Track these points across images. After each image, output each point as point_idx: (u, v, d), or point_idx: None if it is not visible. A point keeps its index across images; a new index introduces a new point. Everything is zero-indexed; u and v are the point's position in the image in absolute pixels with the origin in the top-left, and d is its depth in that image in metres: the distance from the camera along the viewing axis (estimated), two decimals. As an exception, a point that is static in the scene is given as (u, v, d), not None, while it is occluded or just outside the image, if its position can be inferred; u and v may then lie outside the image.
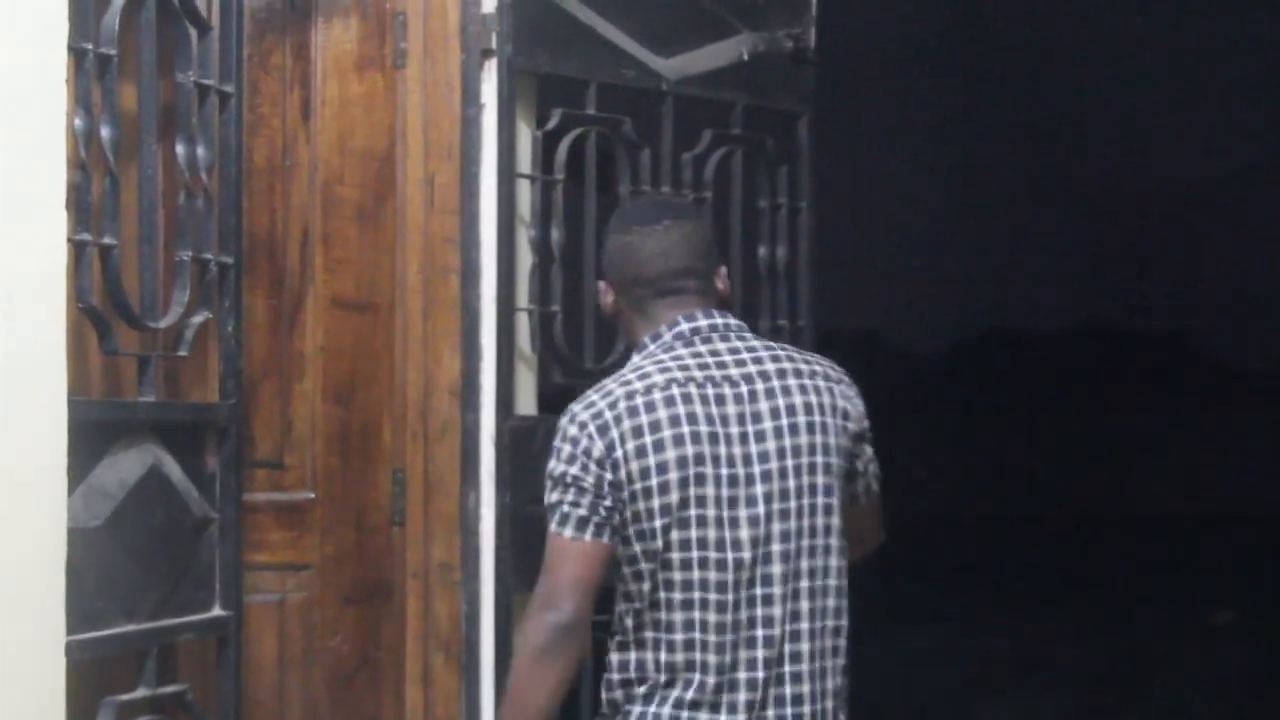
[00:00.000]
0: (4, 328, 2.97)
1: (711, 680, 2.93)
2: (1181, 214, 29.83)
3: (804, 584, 2.97)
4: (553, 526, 2.95)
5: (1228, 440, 21.29)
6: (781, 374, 3.01)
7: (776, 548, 2.95)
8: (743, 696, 2.94)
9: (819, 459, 2.99)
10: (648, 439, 2.92)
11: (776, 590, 2.94)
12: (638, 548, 2.94)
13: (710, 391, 2.97)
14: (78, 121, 3.21)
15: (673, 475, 2.91)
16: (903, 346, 27.39)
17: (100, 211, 3.28)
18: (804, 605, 2.97)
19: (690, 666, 2.93)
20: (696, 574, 2.93)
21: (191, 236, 3.53)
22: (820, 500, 2.99)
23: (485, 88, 3.97)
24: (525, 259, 4.00)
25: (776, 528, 2.95)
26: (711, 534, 2.93)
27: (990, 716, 8.56)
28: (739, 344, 3.04)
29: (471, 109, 3.98)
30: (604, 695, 3.04)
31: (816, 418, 2.99)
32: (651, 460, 2.91)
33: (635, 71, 4.16)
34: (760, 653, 2.94)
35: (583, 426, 2.95)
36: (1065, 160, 30.20)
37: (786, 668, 2.96)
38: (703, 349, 3.01)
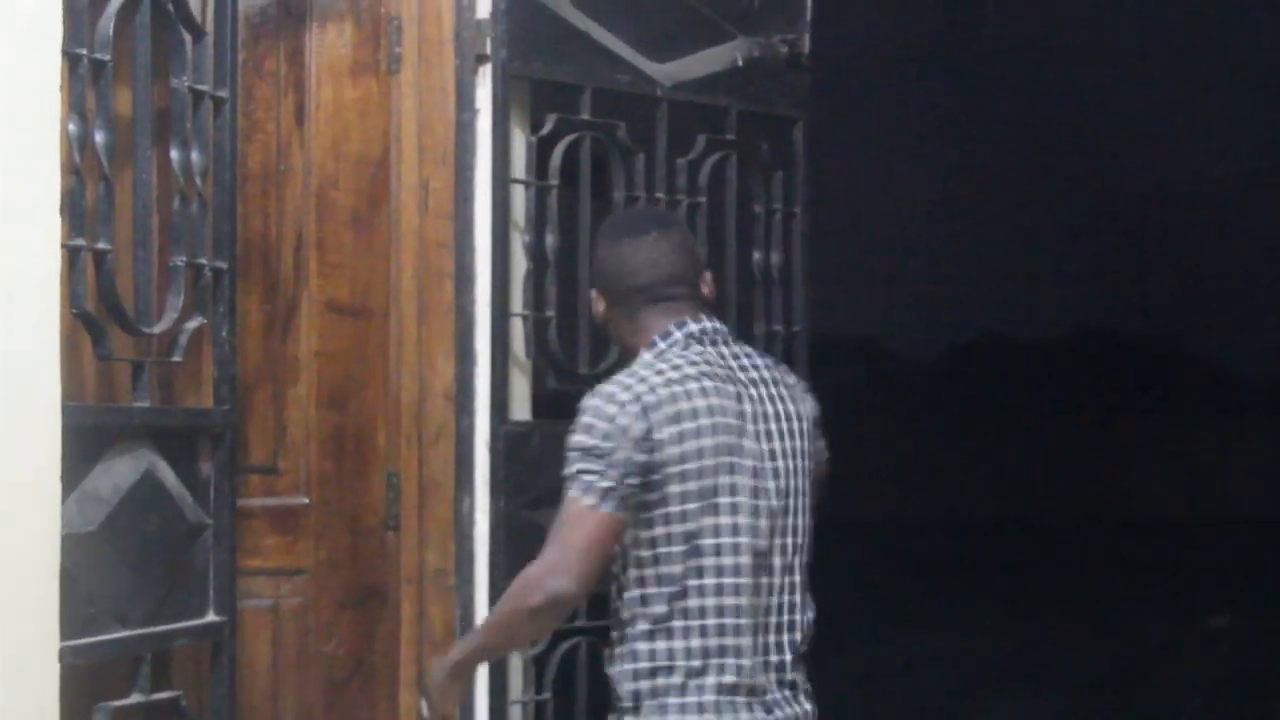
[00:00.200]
0: (-2, 333, 2.98)
1: (747, 663, 3.06)
2: (1180, 218, 29.79)
3: (797, 578, 3.16)
4: (573, 492, 3.03)
5: (1226, 444, 21.27)
6: (775, 380, 3.21)
7: (778, 541, 3.12)
8: (773, 677, 3.09)
9: (804, 463, 3.19)
10: (686, 425, 3.05)
11: (779, 580, 3.12)
12: (668, 529, 3.04)
13: (731, 389, 3.12)
14: (72, 127, 3.20)
15: (709, 462, 3.05)
16: (900, 351, 27.42)
17: (95, 216, 3.27)
18: (796, 598, 3.16)
19: (723, 652, 3.05)
20: (728, 559, 3.06)
21: (186, 241, 3.53)
22: (805, 501, 3.18)
23: (480, 93, 3.97)
24: (520, 264, 4.00)
25: (779, 522, 3.12)
26: (743, 520, 3.07)
27: (989, 719, 8.57)
28: (737, 349, 3.22)
29: (466, 114, 3.98)
30: (627, 686, 3.08)
31: (797, 424, 3.19)
32: (690, 445, 3.04)
33: (630, 77, 4.16)
34: (784, 637, 3.12)
35: (623, 405, 3.05)
36: (1062, 164, 30.17)
37: (788, 655, 3.13)
38: (710, 351, 3.16)
